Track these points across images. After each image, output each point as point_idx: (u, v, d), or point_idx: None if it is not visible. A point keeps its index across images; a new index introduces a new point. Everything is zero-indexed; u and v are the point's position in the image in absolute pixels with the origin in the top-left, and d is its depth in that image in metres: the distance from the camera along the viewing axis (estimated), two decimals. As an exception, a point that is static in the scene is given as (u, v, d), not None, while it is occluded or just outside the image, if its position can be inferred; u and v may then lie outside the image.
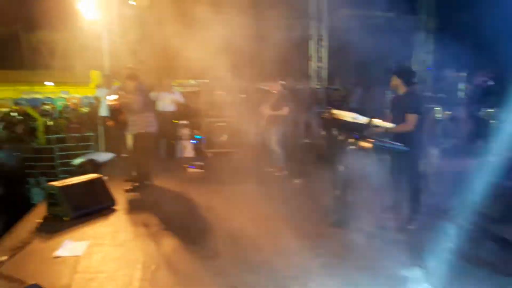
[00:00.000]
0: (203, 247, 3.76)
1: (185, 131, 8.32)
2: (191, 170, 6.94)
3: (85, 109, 16.56)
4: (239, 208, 4.89)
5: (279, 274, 3.21)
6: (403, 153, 3.80)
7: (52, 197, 4.39)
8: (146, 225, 4.28)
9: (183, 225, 4.30)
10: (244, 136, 8.56)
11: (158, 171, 6.27)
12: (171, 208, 4.92)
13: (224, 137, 8.29)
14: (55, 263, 3.37)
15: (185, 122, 8.33)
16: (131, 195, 5.46)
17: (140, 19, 9.22)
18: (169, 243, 3.84)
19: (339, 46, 9.69)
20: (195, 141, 8.62)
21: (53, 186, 4.43)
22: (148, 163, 5.79)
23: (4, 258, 3.40)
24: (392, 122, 4.07)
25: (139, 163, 5.73)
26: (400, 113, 4.06)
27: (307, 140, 8.29)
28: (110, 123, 7.36)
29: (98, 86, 8.96)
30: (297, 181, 6.14)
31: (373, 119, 3.99)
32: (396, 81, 4.20)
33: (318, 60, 10.12)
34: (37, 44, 32.35)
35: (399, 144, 3.80)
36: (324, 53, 10.05)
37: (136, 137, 5.63)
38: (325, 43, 9.99)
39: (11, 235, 4.11)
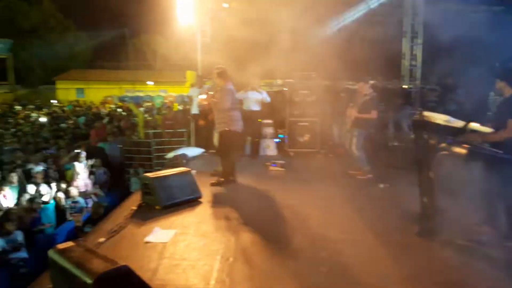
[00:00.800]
0: (282, 245, 3.79)
1: (269, 130, 8.44)
2: (273, 168, 7.03)
3: (179, 107, 17.77)
4: (319, 210, 4.82)
5: (360, 282, 3.11)
6: (502, 162, 3.40)
7: (147, 187, 4.80)
8: (227, 219, 4.46)
9: (263, 222, 4.37)
10: (327, 136, 8.45)
11: (242, 168, 6.45)
12: (253, 204, 5.04)
13: (307, 137, 8.24)
14: (145, 247, 3.68)
15: (269, 121, 8.45)
16: (216, 189, 5.71)
17: (231, 21, 9.59)
18: (248, 238, 3.95)
19: (436, 44, 9.02)
20: (278, 140, 8.73)
21: (148, 177, 4.84)
22: (232, 160, 6.00)
23: (102, 239, 3.82)
24: (495, 127, 3.67)
25: (224, 160, 5.98)
26: (504, 118, 3.65)
27: (395, 143, 7.87)
28: (200, 121, 7.76)
29: (191, 86, 9.51)
30: (382, 185, 5.86)
31: (470, 123, 3.64)
32: (500, 83, 3.79)
33: (412, 58, 9.50)
34: (141, 47, 35.62)
35: (498, 151, 3.41)
36: (419, 51, 9.40)
37: (222, 134, 5.88)
38: (419, 40, 9.35)
39: (109, 219, 4.60)
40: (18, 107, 23.54)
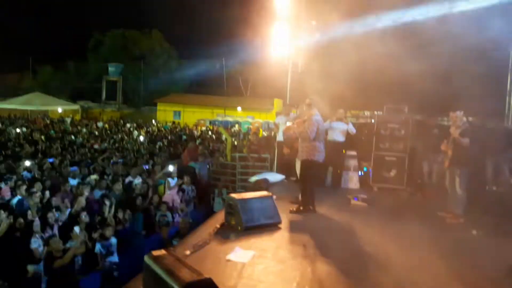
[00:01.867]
0: (360, 281, 3.72)
1: (353, 162, 8.32)
2: (355, 202, 6.90)
3: (264, 133, 18.35)
4: (403, 250, 4.60)
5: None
6: None
7: (231, 207, 5.06)
8: (305, 247, 4.49)
9: (341, 255, 4.33)
10: (416, 174, 8.04)
11: (322, 198, 6.45)
12: (331, 235, 5.01)
13: (393, 172, 7.94)
14: (226, 265, 3.89)
15: (353, 152, 8.35)
16: (294, 216, 5.79)
17: (320, 53, 9.83)
18: (325, 269, 3.94)
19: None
20: (361, 173, 8.54)
21: (232, 198, 5.11)
22: (312, 189, 6.04)
23: (188, 252, 4.11)
24: None
25: (304, 188, 6.05)
26: None
27: (494, 187, 7.20)
28: (285, 149, 7.94)
29: (278, 114, 9.84)
30: (475, 232, 5.40)
31: None
32: None
33: (518, 96, 8.72)
34: (234, 75, 37.77)
35: None
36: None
37: (303, 163, 5.99)
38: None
39: (195, 235, 4.92)
40: (129, 125, 26.17)
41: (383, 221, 5.77)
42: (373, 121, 10.47)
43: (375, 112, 10.79)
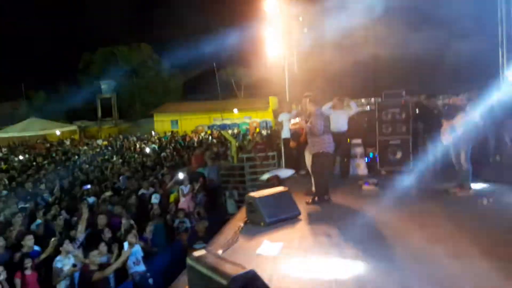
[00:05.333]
0: (385, 259, 3.94)
1: (359, 150, 8.55)
2: (365, 187, 7.12)
3: (265, 132, 18.56)
4: (418, 226, 4.84)
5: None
6: None
7: (251, 205, 5.29)
8: (328, 235, 4.72)
9: (363, 238, 4.55)
10: (420, 153, 8.28)
11: (334, 187, 6.68)
12: (349, 221, 5.21)
13: (399, 155, 8.17)
14: (258, 259, 4.11)
15: (358, 140, 8.57)
16: (312, 207, 6.02)
17: (315, 49, 10.05)
18: (351, 252, 4.16)
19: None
20: (368, 159, 8.77)
21: (251, 197, 5.34)
22: (326, 179, 6.27)
23: (220, 251, 4.33)
24: None
25: (317, 180, 6.28)
26: None
27: (497, 157, 7.45)
28: (292, 144, 8.14)
29: (276, 112, 10.06)
30: (485, 201, 5.64)
31: None
32: None
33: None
34: (227, 78, 37.97)
35: None
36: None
37: (315, 156, 6.21)
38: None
39: (221, 235, 5.13)
40: (133, 139, 26.34)
41: (395, 202, 6.00)
42: (368, 108, 10.74)
43: (371, 99, 11.02)
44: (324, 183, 6.26)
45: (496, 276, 3.41)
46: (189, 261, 3.23)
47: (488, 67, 8.47)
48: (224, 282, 2.79)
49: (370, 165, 8.58)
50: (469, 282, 3.35)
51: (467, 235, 4.35)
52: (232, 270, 2.88)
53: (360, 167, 8.48)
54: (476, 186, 6.33)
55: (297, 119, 7.23)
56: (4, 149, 23.78)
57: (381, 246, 4.31)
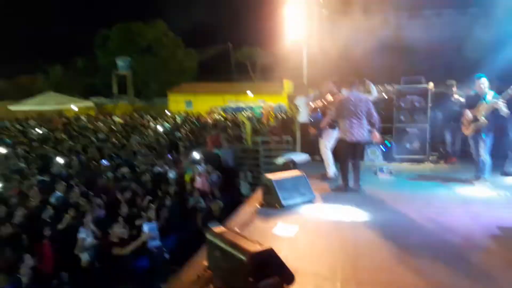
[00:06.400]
0: (401, 244, 3.97)
1: (375, 137, 8.49)
2: (381, 174, 7.12)
3: (280, 115, 18.52)
4: (435, 214, 4.86)
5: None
6: None
7: (267, 188, 5.36)
8: (344, 218, 4.79)
9: (378, 222, 4.62)
10: (438, 143, 8.22)
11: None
12: (366, 207, 5.23)
13: (416, 143, 8.12)
14: (274, 239, 4.20)
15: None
16: (326, 192, 6.06)
17: (333, 32, 9.93)
18: (368, 235, 4.23)
19: None
20: (384, 147, 8.73)
21: (268, 179, 5.40)
22: (345, 166, 6.24)
23: (237, 230, 4.42)
24: None
25: (340, 166, 6.28)
26: None
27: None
28: (312, 129, 8.06)
29: (296, 96, 9.98)
30: (503, 193, 5.62)
31: None
32: None
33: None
34: (242, 59, 37.73)
35: None
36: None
37: (337, 143, 6.21)
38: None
39: (238, 215, 5.23)
40: (148, 117, 26.59)
41: (411, 191, 6.02)
42: (383, 94, 10.61)
43: (388, 86, 10.90)
44: (344, 169, 6.18)
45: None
46: (208, 236, 3.33)
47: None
48: (243, 257, 2.89)
49: (386, 153, 8.55)
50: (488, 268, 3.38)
51: (483, 225, 4.38)
52: (251, 247, 2.97)
53: (376, 153, 8.46)
54: (495, 178, 6.28)
55: (316, 102, 7.17)
56: (24, 123, 24.23)
57: (397, 231, 4.35)
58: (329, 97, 6.50)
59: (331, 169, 6.65)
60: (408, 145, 8.13)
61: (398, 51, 9.49)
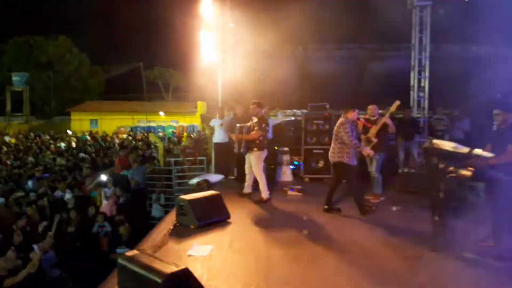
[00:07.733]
0: (306, 256, 4.21)
1: (285, 157, 8.94)
2: (291, 193, 7.48)
3: (192, 135, 18.41)
4: (339, 229, 5.25)
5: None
6: (502, 183, 3.87)
7: (182, 208, 5.28)
8: (256, 235, 4.93)
9: (288, 237, 4.87)
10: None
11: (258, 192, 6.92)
12: (276, 223, 5.51)
13: (321, 164, 8.70)
14: (189, 260, 4.14)
15: (285, 148, 8.97)
16: (241, 210, 6.15)
17: (247, 58, 10.37)
18: (279, 250, 4.41)
19: (442, 76, 9.71)
20: (293, 167, 9.21)
21: (183, 199, 5.33)
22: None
23: (149, 251, 4.27)
24: (495, 152, 4.16)
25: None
26: (503, 145, 4.13)
27: (405, 169, 8.33)
28: (236, 136, 7.81)
29: (211, 117, 10.06)
30: (394, 208, 6.29)
31: (474, 149, 4.14)
32: (499, 113, 4.31)
33: (420, 90, 10.18)
34: (154, 79, 36.93)
35: (499, 173, 3.89)
36: (426, 84, 10.09)
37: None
38: (426, 73, 10.06)
39: (149, 238, 5.04)
40: (45, 137, 24.25)
41: (317, 206, 6.41)
42: (292, 118, 11.33)
43: (295, 111, 11.68)
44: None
45: (403, 273, 3.86)
46: (120, 261, 3.18)
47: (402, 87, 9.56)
48: (158, 280, 2.81)
49: (294, 172, 9.02)
50: (382, 275, 3.74)
51: (378, 236, 4.90)
52: (166, 268, 2.90)
53: (286, 173, 8.87)
54: (387, 194, 7.00)
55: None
56: None
57: (305, 245, 4.62)
58: (254, 119, 6.73)
59: (267, 192, 6.79)
60: (314, 165, 8.67)
61: (306, 79, 10.31)
